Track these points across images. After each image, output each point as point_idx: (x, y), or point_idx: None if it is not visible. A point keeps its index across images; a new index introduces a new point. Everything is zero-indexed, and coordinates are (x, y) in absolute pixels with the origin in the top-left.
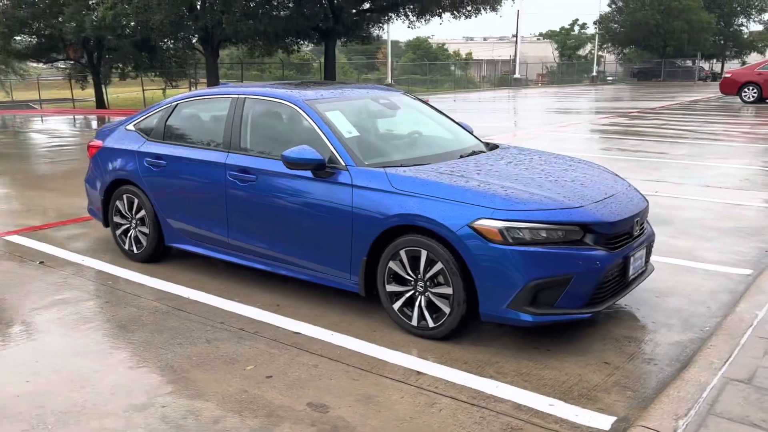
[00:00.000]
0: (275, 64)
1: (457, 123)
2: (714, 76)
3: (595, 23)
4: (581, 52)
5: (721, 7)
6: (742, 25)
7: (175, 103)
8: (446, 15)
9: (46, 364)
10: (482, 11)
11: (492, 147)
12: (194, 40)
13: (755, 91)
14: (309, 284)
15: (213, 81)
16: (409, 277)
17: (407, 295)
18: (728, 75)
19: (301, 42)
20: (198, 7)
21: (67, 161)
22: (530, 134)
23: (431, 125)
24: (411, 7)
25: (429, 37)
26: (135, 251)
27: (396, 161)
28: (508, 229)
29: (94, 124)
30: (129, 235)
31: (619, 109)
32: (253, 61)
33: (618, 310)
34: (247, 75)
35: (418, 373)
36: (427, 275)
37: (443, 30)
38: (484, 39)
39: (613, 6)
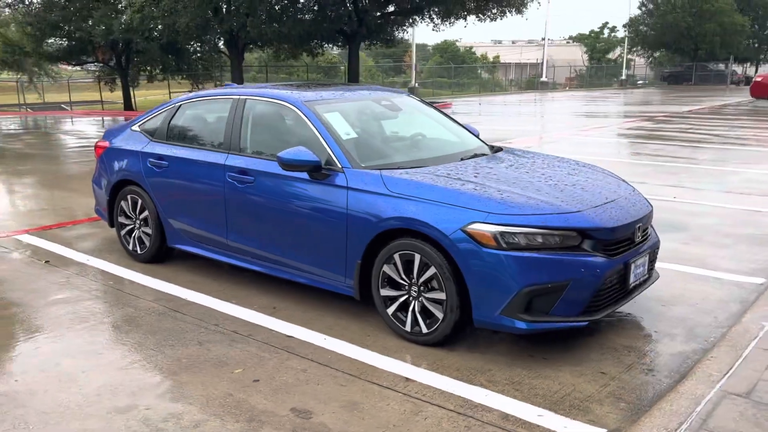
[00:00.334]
0: (303, 67)
1: (461, 125)
2: (747, 80)
3: (624, 26)
4: (611, 56)
5: (755, 9)
6: None
7: (179, 103)
8: (471, 18)
9: (35, 363)
10: (507, 14)
11: (496, 150)
12: (220, 43)
13: None
14: (307, 287)
15: (238, 83)
16: (403, 282)
17: (401, 299)
18: (759, 79)
19: (326, 45)
20: (223, 10)
21: (90, 162)
22: (552, 138)
23: (434, 127)
24: (435, 9)
25: (457, 40)
26: (138, 252)
27: (393, 163)
28: (502, 233)
29: None
30: (133, 235)
31: (646, 113)
32: (281, 64)
33: (620, 318)
34: (276, 78)
35: (407, 379)
36: (421, 280)
37: (471, 33)
38: (513, 42)
39: (644, 9)
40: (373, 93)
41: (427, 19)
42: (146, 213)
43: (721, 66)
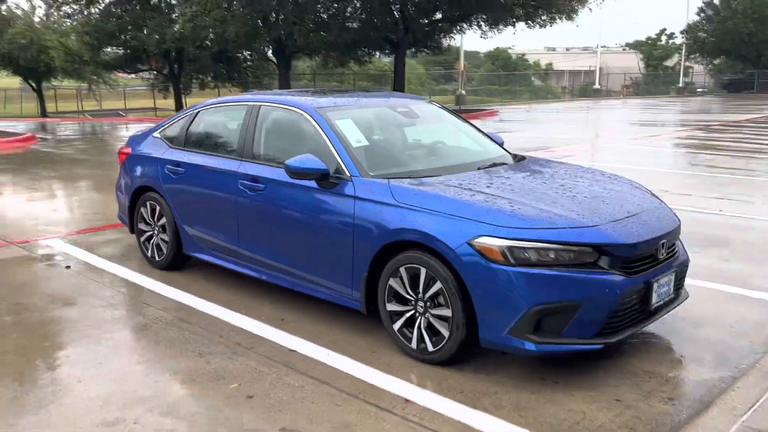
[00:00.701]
0: (354, 74)
1: (484, 134)
2: None
3: (682, 33)
4: (668, 63)
5: None
6: None
7: (198, 110)
8: (520, 24)
9: (31, 371)
10: (557, 20)
11: (519, 159)
12: (269, 52)
13: None
14: (318, 298)
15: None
16: (409, 297)
17: (407, 315)
18: None
19: (373, 53)
20: (272, 19)
21: None
22: (597, 146)
23: (453, 135)
24: (483, 17)
25: (510, 47)
26: (156, 258)
27: (405, 172)
28: (510, 248)
29: None
30: (151, 242)
31: (701, 121)
32: (332, 72)
33: (645, 340)
34: (327, 86)
35: (407, 401)
36: (427, 295)
37: (525, 40)
38: (567, 49)
39: (702, 15)
40: (391, 100)
41: (475, 27)
42: (164, 220)
43: None
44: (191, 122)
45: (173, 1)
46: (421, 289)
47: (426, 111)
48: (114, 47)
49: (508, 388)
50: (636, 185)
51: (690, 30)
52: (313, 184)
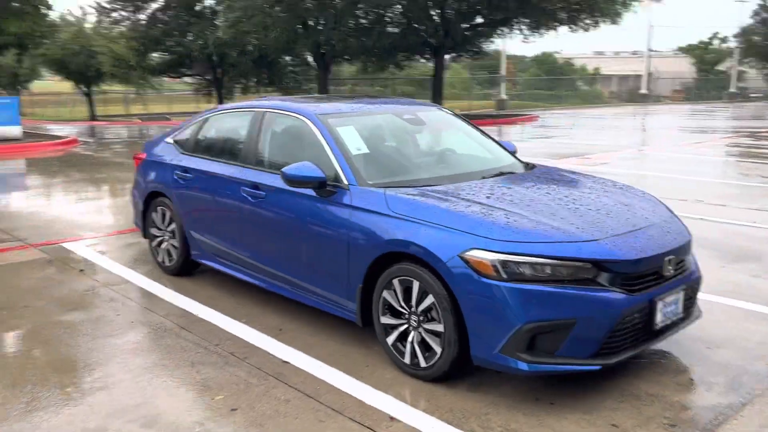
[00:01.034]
0: (398, 79)
1: (496, 141)
2: None
3: (735, 36)
4: (721, 67)
5: None
6: None
7: (207, 116)
8: (562, 28)
9: (19, 381)
10: (601, 23)
11: (530, 168)
12: (309, 57)
13: None
14: (318, 309)
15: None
16: (403, 310)
17: (401, 329)
18: None
19: (413, 57)
20: (311, 24)
21: None
22: (635, 154)
23: (462, 143)
24: (525, 20)
25: (557, 52)
26: (167, 264)
27: (404, 181)
28: (503, 262)
29: None
30: (162, 247)
31: (749, 128)
32: (376, 77)
33: (654, 361)
34: (370, 91)
35: (392, 418)
36: (420, 308)
37: (573, 44)
38: (616, 53)
39: (757, 18)
40: (398, 106)
41: (516, 31)
42: (174, 225)
43: None
44: (201, 128)
45: (218, 8)
46: (414, 303)
47: (434, 118)
48: (159, 52)
49: (500, 409)
50: (649, 197)
51: (743, 33)
52: (311, 192)
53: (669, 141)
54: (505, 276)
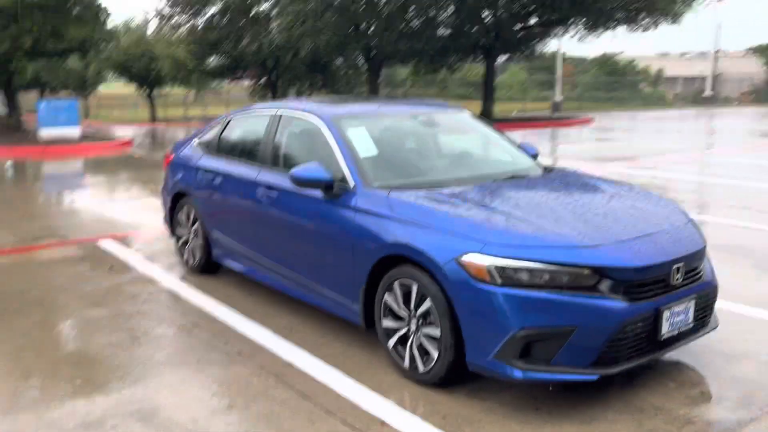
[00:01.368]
0: (456, 81)
1: (516, 145)
2: None
3: None
4: None
5: None
6: None
7: (229, 118)
8: (620, 28)
9: (33, 372)
10: (661, 23)
11: (547, 171)
12: (360, 60)
13: None
14: None
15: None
16: (403, 313)
17: (401, 332)
18: None
19: (465, 59)
20: (363, 27)
21: None
22: (686, 158)
23: (477, 145)
24: (582, 20)
25: (619, 52)
26: (191, 263)
27: (410, 183)
28: (498, 267)
29: None
30: (187, 246)
31: None
32: (433, 79)
33: (664, 371)
34: (429, 93)
35: (383, 423)
36: (418, 312)
37: (635, 45)
38: (681, 54)
39: None
40: (414, 108)
41: (572, 31)
42: (197, 225)
43: None
44: (223, 129)
45: (272, 13)
46: (412, 306)
47: (451, 120)
48: (216, 56)
49: (496, 417)
50: (666, 202)
51: None
52: (319, 193)
53: (729, 145)
54: (500, 281)
